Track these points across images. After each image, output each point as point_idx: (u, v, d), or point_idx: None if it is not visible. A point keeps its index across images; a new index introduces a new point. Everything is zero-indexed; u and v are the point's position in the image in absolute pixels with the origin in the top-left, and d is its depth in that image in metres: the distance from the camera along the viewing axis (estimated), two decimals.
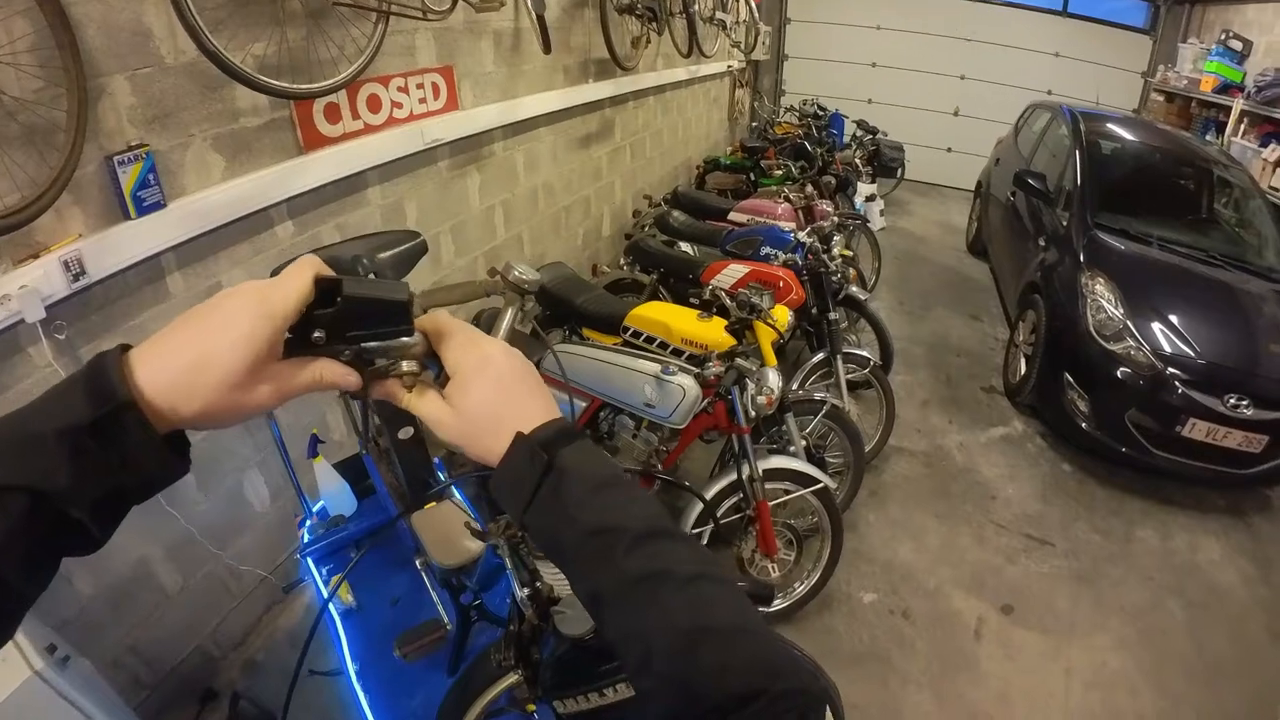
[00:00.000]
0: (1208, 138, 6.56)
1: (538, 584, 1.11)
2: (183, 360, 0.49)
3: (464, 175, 3.19)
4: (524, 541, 1.14)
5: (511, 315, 1.17)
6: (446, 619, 1.62)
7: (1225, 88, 6.39)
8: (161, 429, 0.49)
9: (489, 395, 0.62)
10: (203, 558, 2.24)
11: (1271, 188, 5.22)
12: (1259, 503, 3.85)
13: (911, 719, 2.49)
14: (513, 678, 1.24)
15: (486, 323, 2.61)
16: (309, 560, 2.04)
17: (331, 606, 1.91)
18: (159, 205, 1.92)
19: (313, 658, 2.31)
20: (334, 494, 2.20)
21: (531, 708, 1.45)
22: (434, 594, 1.67)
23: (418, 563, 1.59)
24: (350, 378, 0.59)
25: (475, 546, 1.45)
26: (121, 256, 1.84)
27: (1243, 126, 6.06)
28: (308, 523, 2.20)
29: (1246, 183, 4.82)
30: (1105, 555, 3.34)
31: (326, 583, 1.97)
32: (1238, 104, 6.06)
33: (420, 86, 2.75)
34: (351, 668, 1.75)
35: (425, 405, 0.63)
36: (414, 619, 1.76)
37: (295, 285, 0.54)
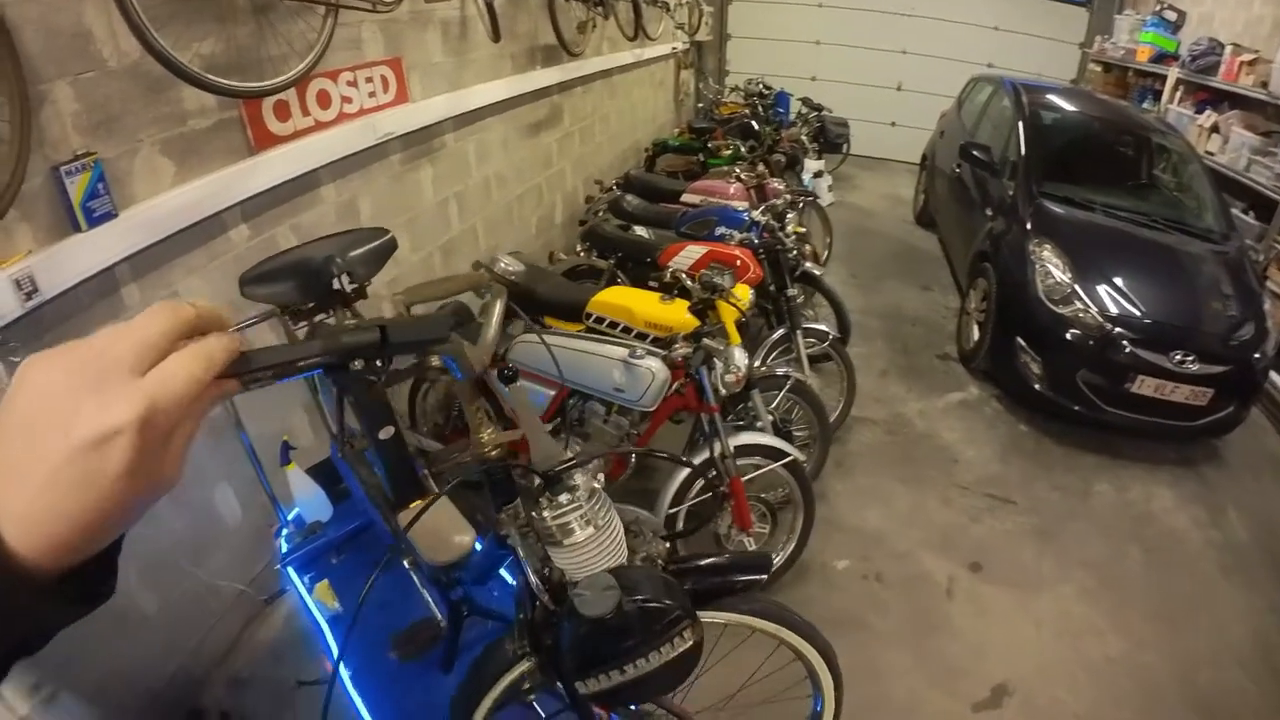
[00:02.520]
0: (1144, 106, 6.79)
1: (548, 570, 1.13)
2: (53, 523, 0.39)
3: (416, 169, 3.14)
4: (533, 529, 1.16)
5: (501, 307, 1.19)
6: (439, 616, 1.62)
7: (1160, 57, 6.61)
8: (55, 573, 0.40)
9: None
10: (179, 577, 2.18)
11: (1207, 152, 5.44)
12: (1207, 452, 4.04)
13: (891, 678, 2.56)
14: (525, 665, 1.26)
15: (453, 312, 2.56)
16: (290, 570, 2.01)
17: (318, 613, 1.89)
18: (110, 215, 1.83)
19: (301, 668, 2.28)
20: (309, 500, 2.17)
21: (531, 696, 1.46)
22: (424, 592, 1.67)
23: (406, 563, 1.59)
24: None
25: (465, 541, 1.45)
26: (74, 271, 1.75)
27: (1178, 94, 6.28)
28: (284, 532, 2.17)
29: (1184, 148, 5.01)
30: (1065, 510, 3.48)
31: (310, 590, 1.94)
32: (1173, 73, 6.28)
33: (369, 80, 2.69)
34: (344, 673, 1.74)
35: None
36: (403, 619, 1.75)
37: (182, 392, 0.43)
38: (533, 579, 1.17)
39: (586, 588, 1.10)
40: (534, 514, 1.16)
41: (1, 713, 1.31)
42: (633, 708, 1.41)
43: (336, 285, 1.44)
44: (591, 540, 1.15)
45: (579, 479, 1.16)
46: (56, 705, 1.42)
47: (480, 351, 1.01)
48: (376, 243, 1.52)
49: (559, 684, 1.18)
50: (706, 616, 1.34)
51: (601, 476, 1.23)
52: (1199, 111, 5.85)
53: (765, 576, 1.39)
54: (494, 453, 1.13)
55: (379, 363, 0.61)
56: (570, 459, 1.15)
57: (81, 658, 1.90)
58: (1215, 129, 5.54)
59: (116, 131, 1.86)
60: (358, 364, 0.56)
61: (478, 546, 1.52)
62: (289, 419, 2.63)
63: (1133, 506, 3.57)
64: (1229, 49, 5.55)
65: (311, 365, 0.62)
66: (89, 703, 1.76)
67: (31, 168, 1.62)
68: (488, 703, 1.34)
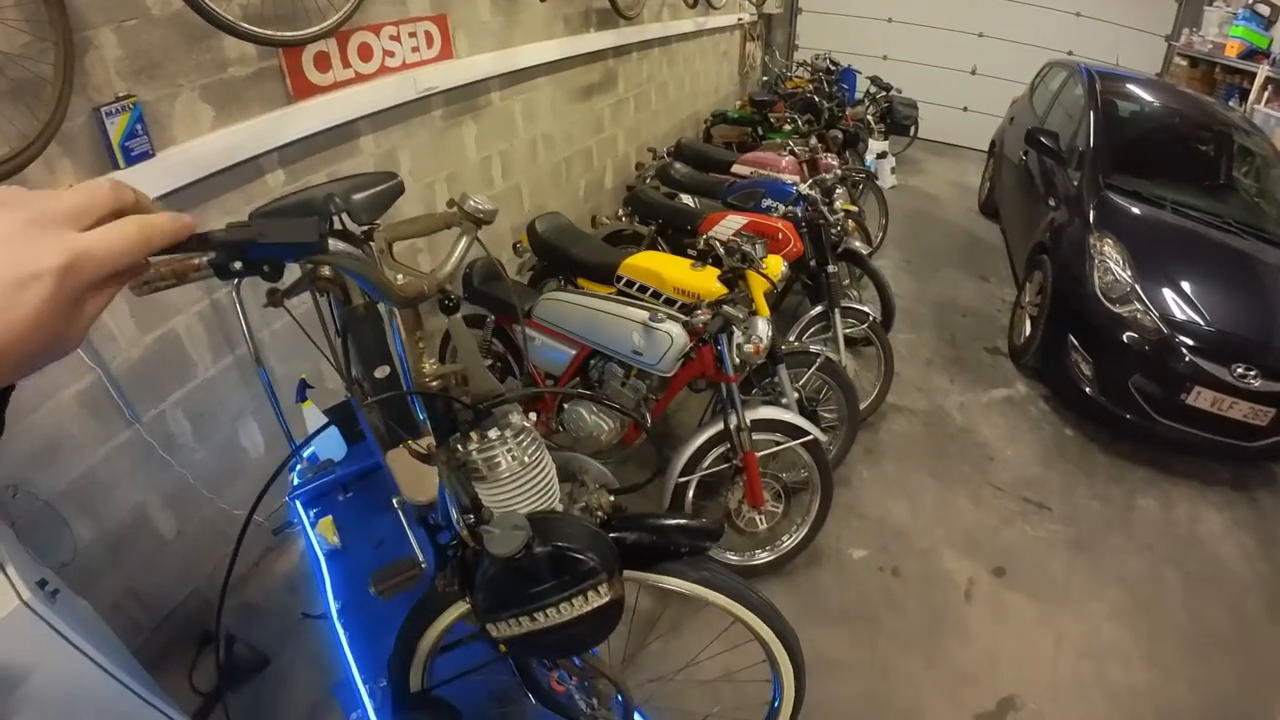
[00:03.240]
0: (1230, 104, 6.38)
1: (481, 509, 1.14)
2: None
3: (459, 125, 3.16)
4: (464, 466, 1.17)
5: (466, 243, 1.20)
6: (422, 557, 1.65)
7: (1250, 54, 6.19)
8: None
9: None
10: (199, 504, 2.29)
11: None
12: (1264, 477, 3.77)
13: (898, 678, 2.49)
14: (464, 606, 1.27)
15: (481, 272, 2.59)
16: (297, 503, 2.08)
17: (317, 547, 1.95)
18: (147, 155, 1.92)
19: (309, 601, 2.36)
20: (323, 438, 2.23)
21: (504, 647, 1.48)
22: (410, 533, 1.71)
23: (395, 502, 1.62)
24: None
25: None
26: None
27: (1266, 94, 5.88)
28: (298, 467, 2.24)
29: (1267, 151, 4.68)
30: (1104, 522, 3.32)
31: (314, 525, 2.01)
32: (1262, 70, 5.88)
33: (413, 35, 2.71)
34: (333, 606, 1.80)
35: None
36: (394, 559, 1.79)
37: (114, 254, 0.46)
38: (454, 514, 1.18)
39: (498, 524, 1.09)
40: (460, 446, 1.16)
41: (5, 591, 1.39)
42: (576, 663, 1.41)
43: (337, 225, 1.47)
44: (517, 478, 1.15)
45: (512, 418, 1.15)
46: (59, 603, 1.50)
47: (425, 281, 1.02)
48: (382, 186, 1.55)
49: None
50: (650, 579, 1.33)
51: (533, 415, 1.23)
52: None
53: (710, 545, 1.36)
54: (434, 384, 1.14)
55: (266, 268, 0.63)
56: (503, 393, 1.14)
57: (99, 573, 2.01)
58: None
59: (158, 77, 1.95)
60: (237, 265, 0.57)
61: None
62: (319, 361, 2.70)
63: (1177, 527, 3.36)
64: None
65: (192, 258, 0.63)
66: (103, 615, 1.86)
67: (75, 109, 1.72)
68: (427, 642, 1.37)
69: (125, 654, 1.76)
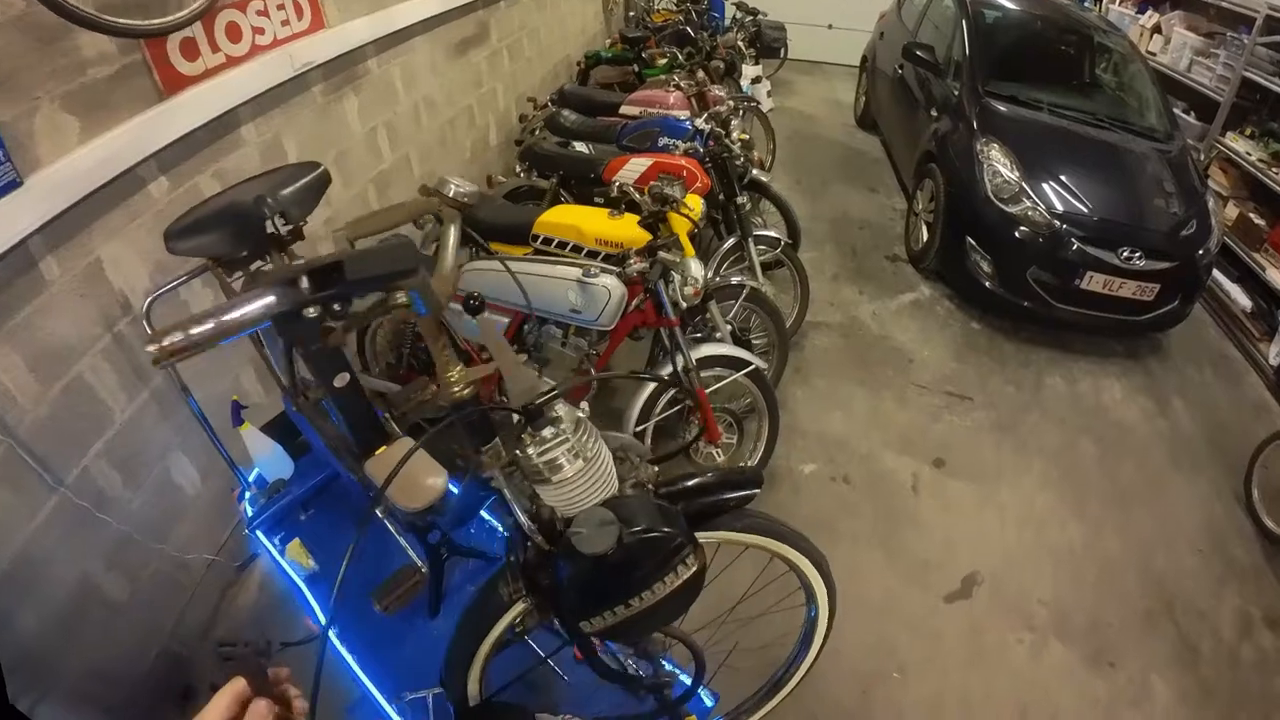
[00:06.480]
0: (1085, 4, 6.69)
1: (536, 508, 1.10)
2: None
3: (341, 99, 2.94)
4: (518, 467, 1.12)
5: (455, 232, 1.12)
6: (419, 563, 1.59)
7: None
8: None
9: None
10: (146, 557, 2.08)
11: (1149, 52, 5.43)
12: (1152, 346, 4.19)
13: (868, 577, 2.65)
14: (519, 607, 1.24)
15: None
16: (259, 533, 1.95)
17: (294, 574, 1.84)
18: (15, 184, 1.65)
19: (282, 630, 2.23)
20: (268, 459, 2.09)
21: (526, 636, 1.45)
22: (401, 540, 1.63)
23: (379, 512, 1.54)
24: None
25: (439, 484, 1.41)
26: None
27: None
28: (247, 495, 2.09)
29: (1126, 48, 4.99)
30: (1020, 404, 3.60)
31: (283, 552, 1.89)
32: None
33: (281, 7, 2.47)
34: (330, 630, 1.71)
35: None
36: (381, 570, 1.72)
37: None
38: (524, 520, 1.14)
39: (582, 524, 1.06)
40: (518, 452, 1.10)
41: None
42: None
43: (270, 228, 1.34)
44: (581, 474, 1.10)
45: (561, 410, 1.10)
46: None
47: (442, 283, 0.95)
48: (308, 178, 1.42)
49: (557, 622, 1.17)
50: (707, 537, 1.33)
51: (585, 405, 1.20)
52: (1140, 11, 5.82)
53: (757, 492, 1.38)
54: (465, 392, 1.07)
55: (337, 306, 0.55)
56: (549, 390, 1.08)
57: (55, 661, 1.81)
58: (1157, 29, 5.53)
59: (11, 91, 1.66)
60: (312, 311, 0.50)
61: (452, 489, 1.50)
62: (237, 377, 2.52)
63: (1084, 399, 3.70)
64: None
65: (256, 321, 0.56)
66: (70, 707, 1.68)
67: None
68: (485, 648, 1.33)
69: None
